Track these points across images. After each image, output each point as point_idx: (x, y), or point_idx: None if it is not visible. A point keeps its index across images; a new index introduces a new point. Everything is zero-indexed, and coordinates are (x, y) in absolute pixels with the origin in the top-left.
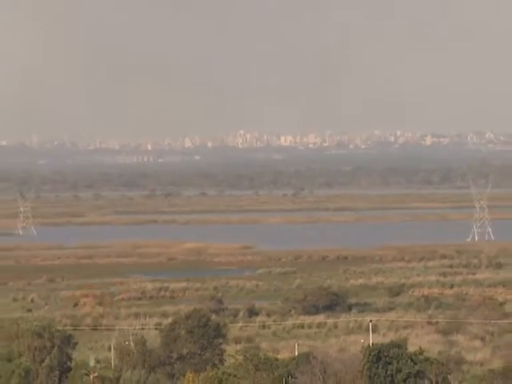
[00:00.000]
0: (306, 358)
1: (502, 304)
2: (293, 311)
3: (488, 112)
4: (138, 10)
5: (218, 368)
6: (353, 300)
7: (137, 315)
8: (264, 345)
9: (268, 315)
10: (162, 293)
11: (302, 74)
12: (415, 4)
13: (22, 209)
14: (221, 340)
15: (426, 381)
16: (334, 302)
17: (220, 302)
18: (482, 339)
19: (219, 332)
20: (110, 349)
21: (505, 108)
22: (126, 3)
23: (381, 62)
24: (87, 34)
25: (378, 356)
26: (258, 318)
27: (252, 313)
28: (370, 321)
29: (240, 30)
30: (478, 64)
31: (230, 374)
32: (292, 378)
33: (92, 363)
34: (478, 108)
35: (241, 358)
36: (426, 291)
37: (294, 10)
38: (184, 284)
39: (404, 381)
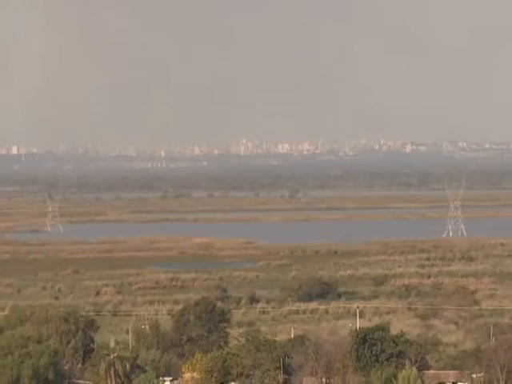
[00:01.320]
0: (300, 340)
1: (473, 292)
2: (289, 299)
3: (461, 123)
4: (154, 28)
5: (223, 349)
6: (342, 289)
7: (151, 302)
8: (264, 328)
9: (267, 302)
10: (174, 283)
11: (298, 89)
12: (399, 26)
13: (50, 209)
14: (225, 324)
15: (407, 360)
16: (325, 291)
17: (225, 290)
18: (456, 323)
19: (224, 317)
20: (128, 332)
21: (476, 120)
22: (139, 22)
23: (367, 80)
24: (109, 53)
25: (364, 338)
26: (259, 305)
27: (253, 300)
28: (357, 307)
29: (243, 50)
30: (453, 82)
31: (233, 354)
32: (288, 357)
33: (112, 345)
34: (452, 120)
35: (243, 340)
36: (406, 281)
37: (294, 31)
38: (193, 275)
39: (387, 360)
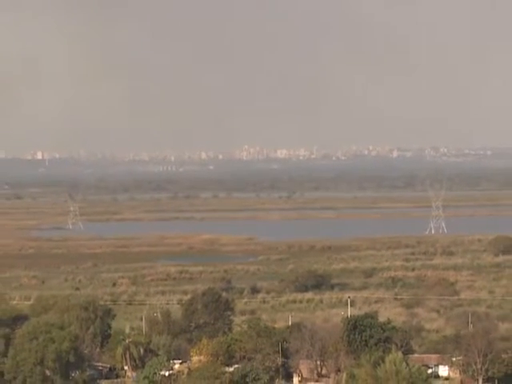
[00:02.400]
0: (297, 326)
1: (453, 284)
2: (287, 289)
3: (443, 131)
4: (167, 45)
5: (227, 335)
6: (335, 281)
7: (163, 293)
8: (264, 316)
9: (267, 293)
10: (183, 275)
11: (295, 100)
12: (385, 39)
13: (71, 208)
14: (229, 312)
15: (393, 345)
16: (319, 282)
17: (229, 282)
18: (438, 312)
19: (228, 306)
20: (141, 319)
21: (456, 128)
22: (152, 39)
23: (358, 91)
24: (125, 69)
25: (354, 325)
26: (260, 295)
27: (254, 291)
28: (349, 297)
29: (246, 66)
30: (435, 92)
31: (236, 340)
32: (286, 342)
33: (127, 331)
34: (435, 128)
35: (245, 326)
36: (392, 273)
37: (290, 45)
38: (200, 268)
39: (375, 345)
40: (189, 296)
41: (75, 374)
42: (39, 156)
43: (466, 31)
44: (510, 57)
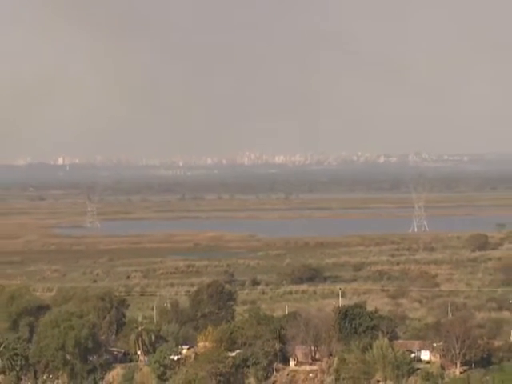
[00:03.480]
0: (293, 315)
1: (434, 276)
2: (284, 282)
3: (424, 139)
4: (175, 61)
5: (230, 323)
6: (327, 274)
7: (172, 285)
8: (263, 306)
9: (266, 285)
10: (190, 269)
11: (291, 112)
12: (370, 52)
13: (89, 209)
14: (232, 302)
15: (380, 332)
16: (313, 275)
17: (232, 275)
18: (420, 302)
19: (231, 297)
20: (152, 309)
21: (436, 136)
22: (161, 56)
23: (347, 103)
24: (139, 83)
25: (345, 314)
26: (259, 287)
27: (255, 283)
28: (340, 289)
29: (248, 80)
30: (418, 104)
31: (238, 327)
32: (283, 329)
33: (140, 319)
34: (417, 136)
35: (246, 315)
36: (379, 267)
37: (286, 60)
38: (206, 262)
39: (364, 332)
40: (195, 288)
41: (93, 358)
42: (60, 161)
43: (443, 48)
44: (485, 72)
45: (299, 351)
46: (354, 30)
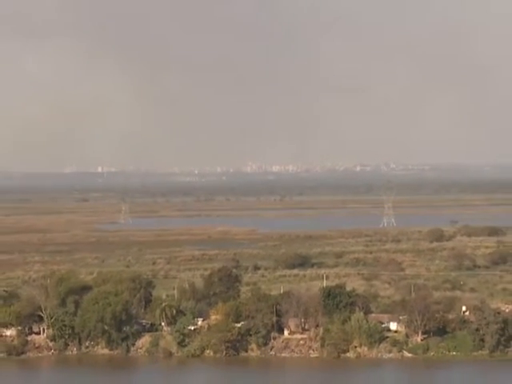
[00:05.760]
0: (287, 294)
1: (400, 263)
2: (279, 267)
3: (393, 151)
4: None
5: (236, 300)
6: (314, 261)
7: (190, 269)
8: (263, 286)
9: (265, 269)
10: (204, 256)
11: (286, 129)
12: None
13: (123, 208)
14: (238, 284)
15: (357, 307)
16: (303, 262)
17: (237, 261)
18: (389, 283)
19: (237, 279)
20: (174, 289)
21: (402, 149)
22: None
23: (329, 123)
24: (167, 104)
25: (328, 293)
26: (260, 271)
27: (256, 268)
28: (324, 273)
29: (251, 100)
30: (387, 120)
31: (243, 303)
32: (279, 305)
33: (164, 297)
34: (387, 148)
35: (249, 294)
36: (356, 255)
37: (280, 78)
38: (217, 251)
39: (344, 307)
40: (208, 272)
41: (126, 329)
42: (99, 170)
43: (402, 70)
44: (444, 89)
45: (292, 323)
46: (326, 57)
